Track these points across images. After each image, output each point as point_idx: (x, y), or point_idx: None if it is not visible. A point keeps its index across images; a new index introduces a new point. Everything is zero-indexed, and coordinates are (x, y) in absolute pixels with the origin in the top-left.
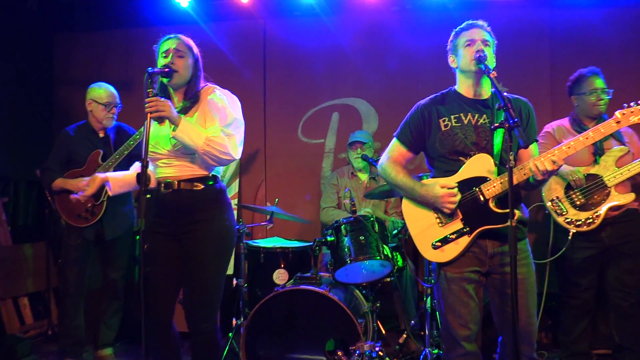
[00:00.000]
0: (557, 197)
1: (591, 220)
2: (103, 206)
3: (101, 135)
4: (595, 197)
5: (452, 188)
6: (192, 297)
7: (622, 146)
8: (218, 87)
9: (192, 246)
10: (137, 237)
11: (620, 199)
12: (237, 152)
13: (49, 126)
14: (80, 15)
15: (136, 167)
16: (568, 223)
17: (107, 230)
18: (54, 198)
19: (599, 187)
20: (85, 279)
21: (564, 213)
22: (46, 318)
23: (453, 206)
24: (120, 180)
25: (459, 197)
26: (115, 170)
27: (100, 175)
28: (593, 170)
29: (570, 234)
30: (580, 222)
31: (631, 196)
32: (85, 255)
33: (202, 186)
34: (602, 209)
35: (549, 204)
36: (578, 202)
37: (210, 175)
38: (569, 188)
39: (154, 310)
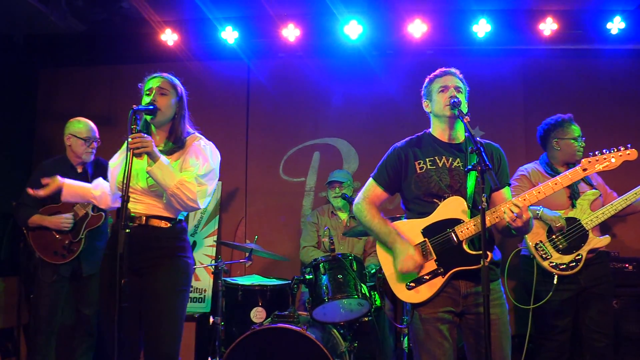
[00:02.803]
0: (541, 241)
1: (574, 263)
2: (81, 243)
3: (79, 170)
4: (575, 240)
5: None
6: (152, 333)
7: (594, 190)
8: (203, 138)
9: (155, 282)
10: None
11: (598, 242)
12: (204, 202)
13: (29, 159)
14: (66, 51)
15: (99, 183)
16: (553, 267)
17: (84, 266)
18: (29, 234)
19: (578, 230)
20: (58, 315)
21: (548, 257)
22: (14, 356)
23: (407, 271)
24: (74, 189)
25: (415, 273)
26: (93, 207)
27: (59, 180)
28: (571, 213)
29: (555, 278)
30: (564, 266)
31: (607, 239)
32: (59, 292)
33: (169, 224)
34: (583, 252)
35: (533, 248)
36: (561, 246)
37: (177, 218)
38: (550, 232)
39: (125, 347)
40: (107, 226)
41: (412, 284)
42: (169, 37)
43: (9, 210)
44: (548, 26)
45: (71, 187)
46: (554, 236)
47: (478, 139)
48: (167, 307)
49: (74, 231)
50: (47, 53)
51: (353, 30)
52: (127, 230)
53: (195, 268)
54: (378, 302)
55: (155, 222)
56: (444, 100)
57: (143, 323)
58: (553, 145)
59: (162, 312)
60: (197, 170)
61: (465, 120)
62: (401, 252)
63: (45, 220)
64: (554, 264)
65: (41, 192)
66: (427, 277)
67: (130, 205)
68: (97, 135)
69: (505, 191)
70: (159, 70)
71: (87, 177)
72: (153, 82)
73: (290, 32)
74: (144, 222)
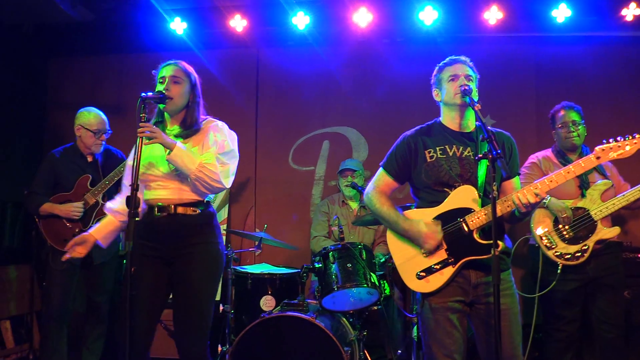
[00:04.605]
0: (547, 231)
1: (580, 254)
2: None
3: (89, 159)
4: (583, 230)
5: (435, 229)
6: (185, 322)
7: (606, 180)
8: (218, 120)
9: (187, 270)
10: (124, 260)
11: (606, 233)
12: (228, 182)
13: (39, 148)
14: (75, 40)
15: (113, 209)
16: (558, 257)
17: (95, 254)
18: (40, 222)
19: (586, 220)
20: (69, 303)
21: (553, 247)
22: (27, 342)
23: (434, 246)
24: (102, 231)
25: (441, 235)
26: (104, 196)
27: (91, 238)
28: (580, 203)
29: (559, 267)
30: (569, 256)
31: (616, 230)
32: (70, 279)
33: (198, 211)
34: (590, 243)
35: (538, 237)
36: (567, 236)
37: (205, 200)
38: (557, 221)
39: (135, 335)
40: None
41: (423, 274)
42: (178, 25)
43: (20, 199)
44: (561, 12)
45: (100, 232)
46: (560, 226)
47: (489, 127)
48: (199, 295)
49: (84, 219)
50: (56, 42)
51: (362, 17)
52: (136, 219)
53: (223, 251)
54: (387, 291)
55: (184, 210)
56: (454, 89)
57: (175, 310)
58: (554, 135)
59: (195, 301)
60: (217, 150)
61: (476, 109)
62: (418, 232)
63: (55, 208)
64: (559, 253)
65: (79, 254)
66: (438, 267)
67: (154, 193)
68: (107, 126)
69: (516, 181)
70: (168, 59)
71: (97, 166)
72: (167, 70)
73: (300, 20)
74: (172, 211)
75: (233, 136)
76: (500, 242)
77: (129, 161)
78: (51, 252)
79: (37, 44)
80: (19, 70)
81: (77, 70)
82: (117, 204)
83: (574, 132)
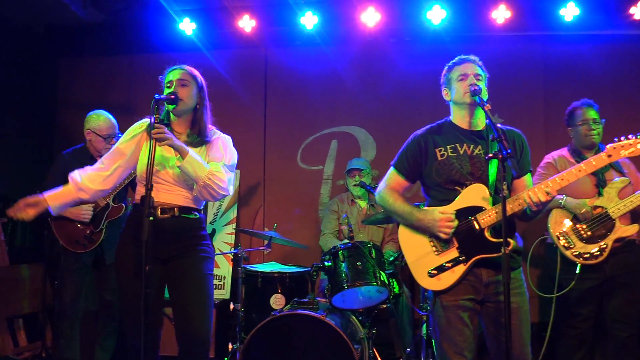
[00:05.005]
0: (565, 231)
1: (599, 252)
2: (102, 234)
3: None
4: (601, 229)
5: (451, 214)
6: (188, 319)
7: (623, 177)
8: (222, 133)
9: (188, 269)
10: None
11: (625, 231)
12: (232, 189)
13: (50, 148)
14: (86, 41)
15: (76, 180)
16: (576, 256)
17: (107, 254)
18: (52, 223)
19: (604, 219)
20: (81, 301)
21: (571, 246)
22: (40, 340)
23: (449, 232)
24: (59, 200)
25: (456, 223)
26: (114, 198)
27: (44, 203)
28: (597, 202)
29: (578, 266)
30: (588, 255)
31: (635, 228)
32: (82, 279)
33: (198, 216)
34: (609, 242)
35: (556, 237)
36: (585, 235)
37: (201, 208)
38: (575, 221)
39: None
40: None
41: (434, 272)
42: (187, 26)
43: None
44: (569, 11)
45: (54, 199)
46: (578, 225)
47: (499, 125)
48: (200, 291)
49: (95, 221)
50: (66, 43)
51: (370, 17)
52: (150, 218)
53: (215, 255)
54: (397, 290)
55: (187, 213)
56: (463, 89)
57: (176, 307)
58: (570, 133)
59: (196, 296)
60: (225, 160)
61: (485, 108)
62: (433, 220)
63: (66, 211)
64: (577, 253)
65: (24, 215)
66: (449, 265)
67: (160, 195)
68: (117, 130)
69: (527, 178)
70: (177, 60)
71: None
72: (173, 75)
73: (308, 20)
74: (176, 213)
75: (235, 151)
76: (511, 241)
77: (121, 140)
78: (63, 252)
79: (47, 45)
80: (30, 71)
81: (87, 70)
82: (85, 178)
83: (594, 130)
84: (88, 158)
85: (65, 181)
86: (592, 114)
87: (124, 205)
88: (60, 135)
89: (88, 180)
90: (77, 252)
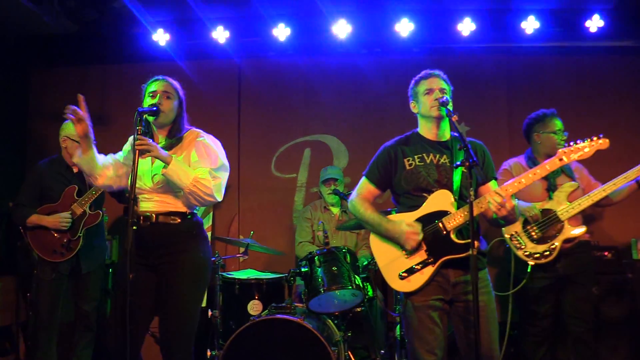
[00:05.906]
0: (516, 232)
1: (548, 252)
2: (80, 241)
3: (75, 170)
4: (550, 230)
5: (417, 227)
6: (168, 328)
7: (573, 182)
8: (202, 131)
9: (169, 277)
10: (110, 269)
11: (573, 232)
12: (220, 195)
13: (22, 159)
14: (57, 51)
15: (108, 164)
16: (527, 256)
17: (83, 263)
18: (27, 234)
19: (553, 221)
20: (58, 312)
21: (522, 247)
22: (13, 353)
23: (415, 244)
24: (92, 154)
25: (421, 236)
26: (90, 206)
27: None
28: (547, 205)
29: (529, 266)
30: (538, 255)
31: (583, 229)
32: (58, 289)
33: (179, 220)
34: (557, 242)
35: (508, 238)
36: (535, 236)
37: (189, 211)
38: (526, 223)
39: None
40: (104, 224)
41: (405, 274)
42: (161, 37)
43: (4, 210)
44: (530, 24)
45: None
46: (528, 227)
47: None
48: (184, 303)
49: (72, 229)
50: (38, 53)
51: (342, 29)
52: (134, 228)
53: (211, 259)
54: (370, 293)
55: (165, 219)
56: (430, 102)
57: (160, 315)
58: (534, 139)
59: (179, 308)
60: (211, 165)
61: (453, 119)
62: (400, 232)
63: (43, 220)
64: (528, 253)
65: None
66: (418, 267)
67: (141, 205)
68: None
69: (492, 184)
70: (151, 70)
71: (83, 177)
72: (157, 85)
73: (281, 32)
74: (154, 220)
75: (221, 149)
76: (476, 242)
77: (125, 148)
78: (39, 263)
79: (19, 55)
80: (1, 81)
81: (59, 80)
82: (107, 165)
83: (563, 139)
84: (64, 167)
85: (41, 192)
86: (560, 123)
87: (100, 212)
88: (32, 146)
89: (106, 168)
90: (55, 261)
